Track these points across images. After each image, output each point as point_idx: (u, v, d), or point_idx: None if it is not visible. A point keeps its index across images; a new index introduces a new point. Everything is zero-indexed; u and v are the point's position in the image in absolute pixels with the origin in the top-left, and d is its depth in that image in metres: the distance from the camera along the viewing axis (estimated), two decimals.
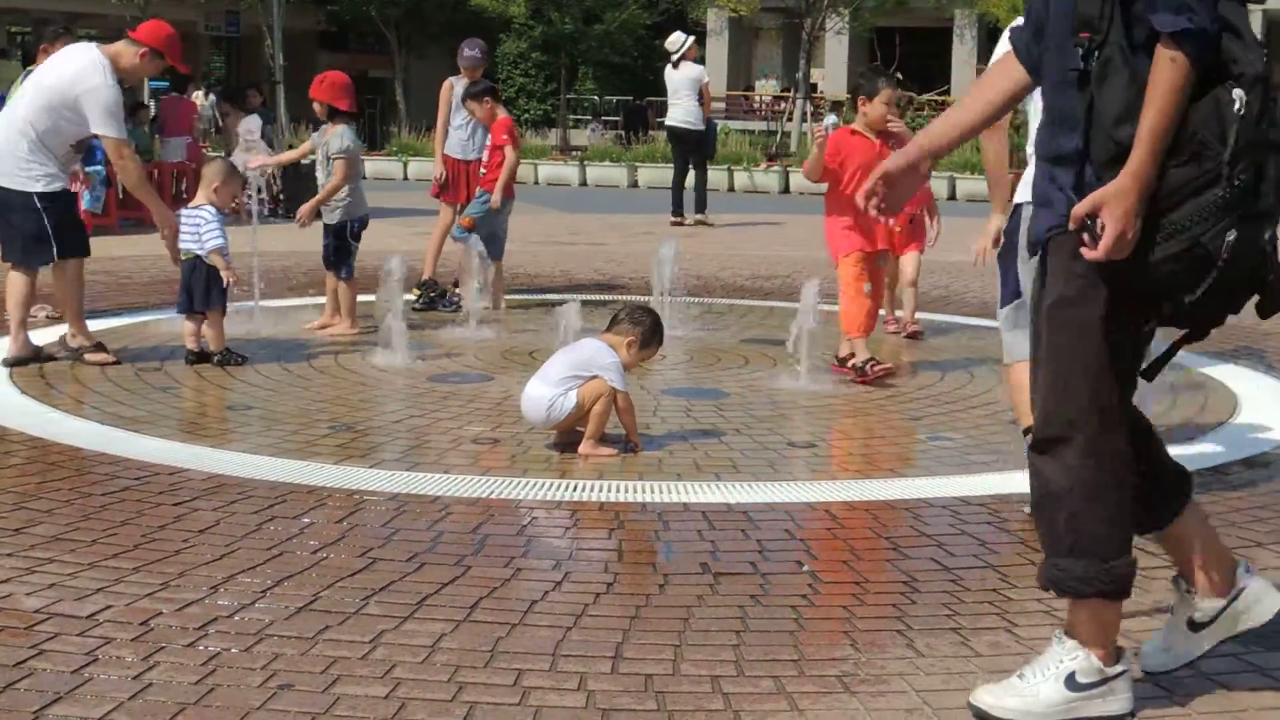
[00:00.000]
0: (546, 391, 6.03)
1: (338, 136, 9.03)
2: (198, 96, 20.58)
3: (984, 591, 4.40)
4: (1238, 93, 3.06)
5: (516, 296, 10.59)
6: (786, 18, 38.54)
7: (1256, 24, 39.62)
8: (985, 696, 3.47)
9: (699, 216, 17.70)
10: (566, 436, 6.14)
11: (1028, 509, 4.97)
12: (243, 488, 5.42)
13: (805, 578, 4.50)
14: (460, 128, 10.73)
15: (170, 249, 7.89)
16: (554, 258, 13.39)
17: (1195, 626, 3.63)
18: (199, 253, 7.86)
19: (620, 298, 10.44)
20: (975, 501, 5.36)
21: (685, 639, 3.94)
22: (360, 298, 9.28)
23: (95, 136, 7.60)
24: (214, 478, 5.55)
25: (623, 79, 44.47)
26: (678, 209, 17.69)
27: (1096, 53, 3.17)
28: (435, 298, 10.26)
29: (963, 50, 43.57)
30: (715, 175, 25.03)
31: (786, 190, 25.60)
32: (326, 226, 9.13)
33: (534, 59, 44.80)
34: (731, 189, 25.51)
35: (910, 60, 33.68)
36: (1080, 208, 3.15)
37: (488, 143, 10.33)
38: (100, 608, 4.06)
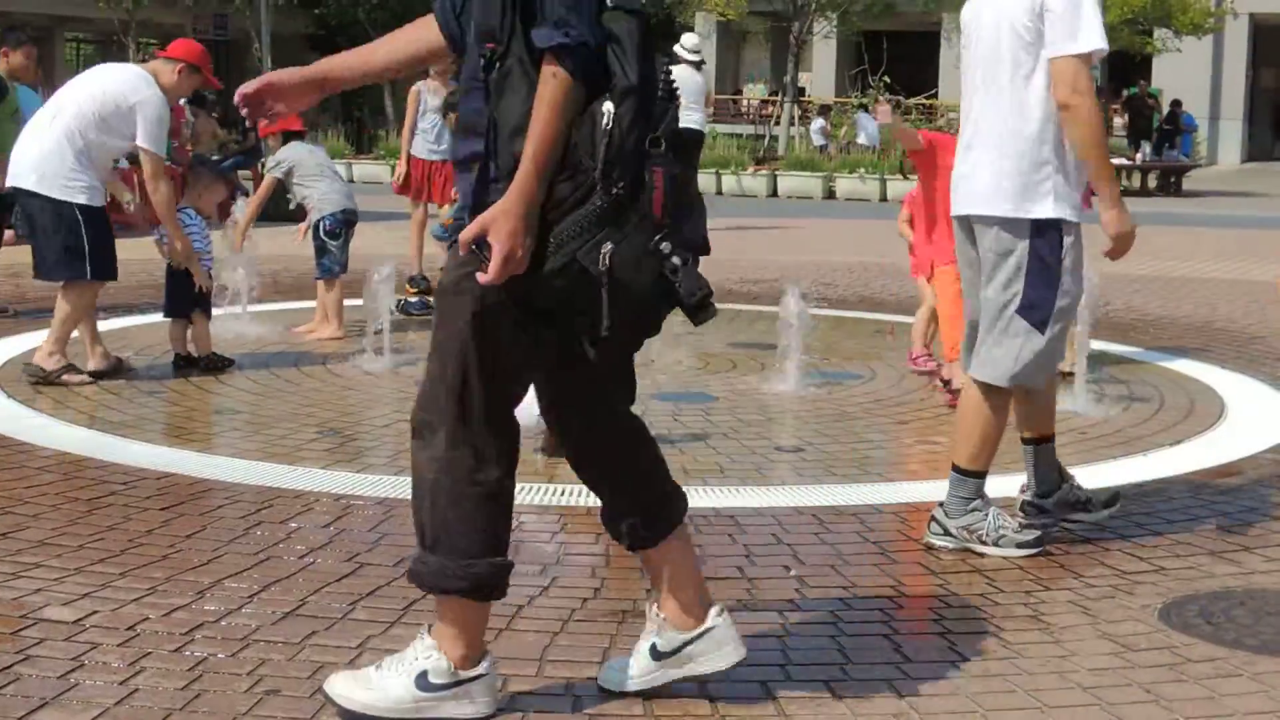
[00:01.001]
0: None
1: (273, 156, 9.13)
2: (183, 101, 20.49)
3: (970, 596, 4.40)
4: (607, 107, 3.05)
5: None
6: (774, 21, 38.57)
7: (1243, 27, 39.84)
8: (337, 684, 3.41)
9: None
10: (555, 440, 6.12)
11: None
12: (230, 492, 5.42)
13: (792, 582, 4.50)
14: (425, 131, 11.18)
15: (193, 268, 7.90)
16: None
17: (657, 655, 3.56)
18: None
19: None
20: None
21: None
22: (348, 301, 9.26)
23: (120, 158, 7.59)
24: (201, 482, 5.55)
25: None
26: None
27: (499, 64, 3.16)
28: (416, 298, 10.35)
29: (950, 54, 43.51)
30: (704, 179, 25.06)
31: (774, 194, 25.61)
32: None
33: None
34: (719, 193, 25.52)
35: (898, 64, 33.70)
36: (467, 233, 3.12)
37: None
38: (86, 613, 4.05)
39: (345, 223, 9.13)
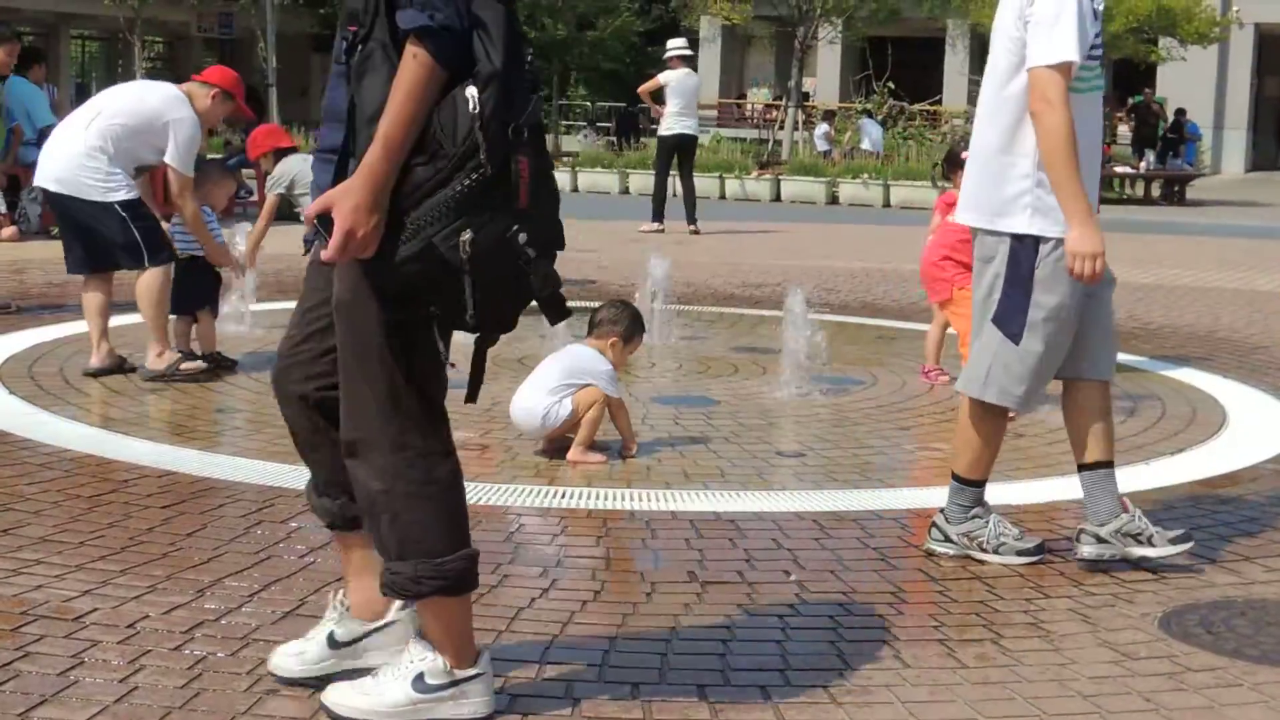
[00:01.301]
0: (541, 400, 6.03)
1: (271, 175, 9.18)
2: None
3: (970, 603, 4.40)
4: (471, 91, 3.03)
5: None
6: (779, 26, 38.59)
7: (1248, 36, 39.79)
8: (333, 694, 3.42)
9: (693, 226, 17.54)
10: (555, 443, 6.14)
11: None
12: (231, 491, 5.42)
13: (792, 587, 4.50)
14: None
15: (233, 269, 8.06)
16: None
17: (334, 644, 3.57)
18: (195, 254, 7.87)
19: None
20: None
21: (672, 647, 3.94)
22: None
23: (147, 169, 7.73)
24: (202, 481, 5.55)
25: (615, 86, 44.49)
26: (661, 215, 17.59)
27: (360, 47, 3.15)
28: None
29: (955, 60, 43.65)
30: (707, 183, 25.06)
31: (778, 199, 25.61)
32: None
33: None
34: (723, 197, 25.53)
35: (902, 70, 33.72)
36: (311, 208, 3.12)
37: None
38: (87, 610, 4.05)
39: None
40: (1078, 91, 4.55)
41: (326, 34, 43.04)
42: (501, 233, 3.06)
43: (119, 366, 7.62)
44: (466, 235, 3.03)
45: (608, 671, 3.76)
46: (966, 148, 7.35)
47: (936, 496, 5.13)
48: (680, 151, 17.73)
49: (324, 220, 3.08)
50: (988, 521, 4.79)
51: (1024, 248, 4.59)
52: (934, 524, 4.88)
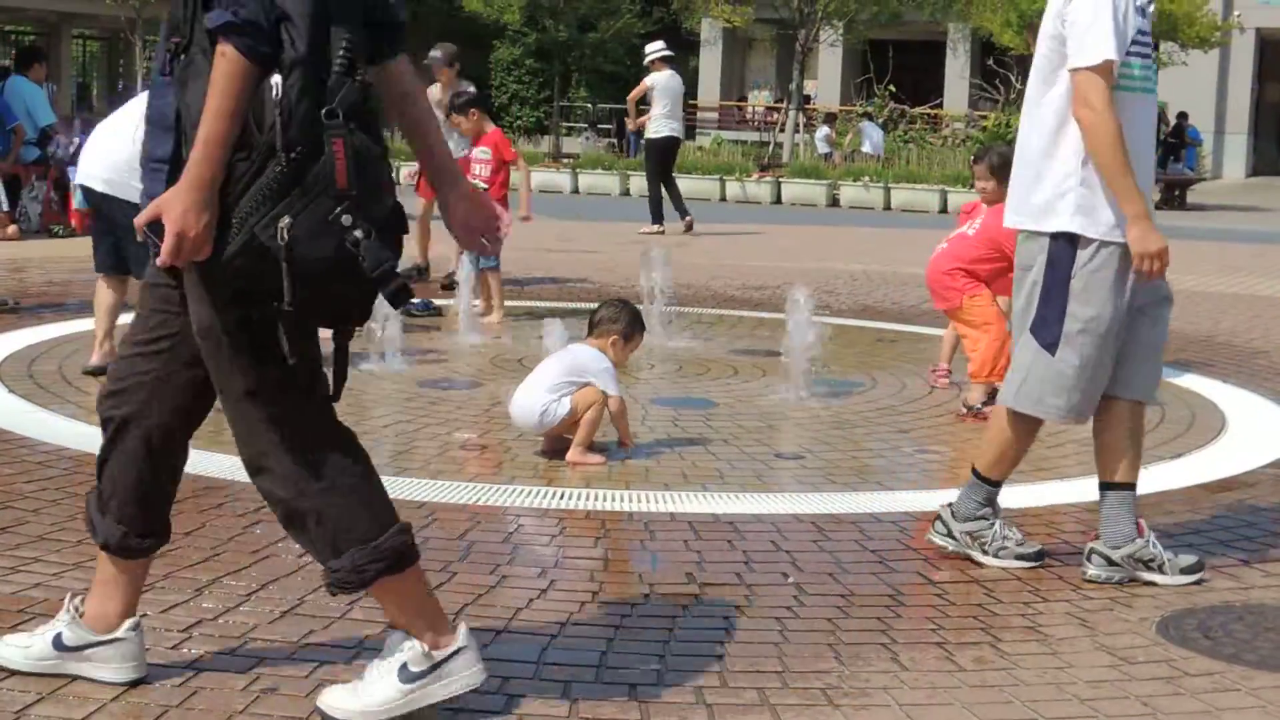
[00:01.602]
0: (540, 398, 6.04)
1: None
2: None
3: (968, 605, 4.40)
4: (275, 80, 3.04)
5: (506, 304, 10.58)
6: (780, 29, 38.60)
7: (1249, 41, 39.74)
8: (328, 698, 3.43)
9: (687, 217, 17.57)
10: (554, 444, 6.14)
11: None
12: (229, 490, 5.41)
13: (790, 589, 4.50)
14: None
15: None
16: (545, 265, 13.38)
17: (60, 645, 3.57)
18: None
19: None
20: None
21: (670, 649, 3.94)
22: None
23: None
24: (200, 480, 5.53)
25: (616, 87, 44.51)
26: (659, 217, 17.62)
27: (182, 56, 3.17)
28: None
29: (956, 63, 43.67)
30: (708, 185, 25.09)
31: (778, 201, 25.61)
32: None
33: (528, 66, 44.88)
34: (723, 199, 25.53)
35: (903, 73, 33.72)
36: (141, 217, 3.14)
37: (466, 153, 10.30)
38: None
39: None
40: (1128, 90, 4.49)
41: None
42: (322, 216, 3.05)
43: None
44: (285, 221, 3.03)
45: (605, 673, 3.76)
46: (983, 155, 7.38)
47: (935, 499, 5.13)
48: (669, 154, 17.82)
49: (156, 228, 3.08)
50: (993, 524, 4.79)
51: (1061, 248, 4.52)
52: (939, 517, 4.87)
